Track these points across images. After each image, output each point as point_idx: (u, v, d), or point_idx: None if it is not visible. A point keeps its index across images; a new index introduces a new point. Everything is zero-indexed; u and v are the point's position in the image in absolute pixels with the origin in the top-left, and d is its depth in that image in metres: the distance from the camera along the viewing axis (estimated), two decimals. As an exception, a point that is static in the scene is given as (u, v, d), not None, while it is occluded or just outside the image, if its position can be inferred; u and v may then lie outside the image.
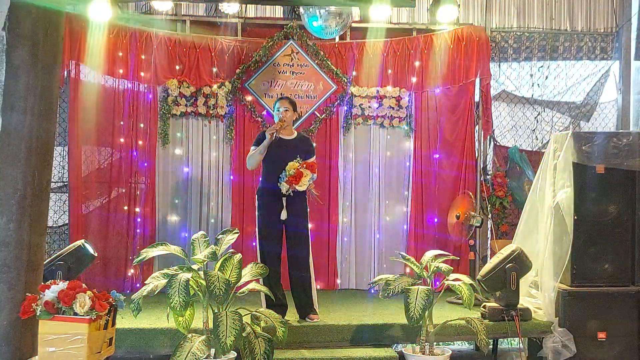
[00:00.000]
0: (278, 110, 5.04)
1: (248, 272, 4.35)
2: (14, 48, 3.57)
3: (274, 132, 4.90)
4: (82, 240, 4.98)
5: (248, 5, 6.42)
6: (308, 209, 5.14)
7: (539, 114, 6.87)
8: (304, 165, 4.86)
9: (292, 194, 4.91)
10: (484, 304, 5.08)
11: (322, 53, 6.42)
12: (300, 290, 4.98)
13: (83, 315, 3.39)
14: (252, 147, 5.05)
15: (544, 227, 5.19)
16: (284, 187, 4.84)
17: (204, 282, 4.01)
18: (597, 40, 6.93)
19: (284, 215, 4.92)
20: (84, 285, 3.53)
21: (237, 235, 4.45)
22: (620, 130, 6.56)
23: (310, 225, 5.19)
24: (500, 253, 5.12)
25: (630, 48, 6.72)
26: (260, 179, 5.13)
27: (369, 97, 6.48)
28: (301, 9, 6.14)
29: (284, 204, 4.92)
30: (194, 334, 4.01)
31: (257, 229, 5.07)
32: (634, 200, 5.10)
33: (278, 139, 4.95)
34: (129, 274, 6.16)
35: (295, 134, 5.16)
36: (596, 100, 6.91)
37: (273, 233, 4.97)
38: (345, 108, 6.49)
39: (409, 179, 6.56)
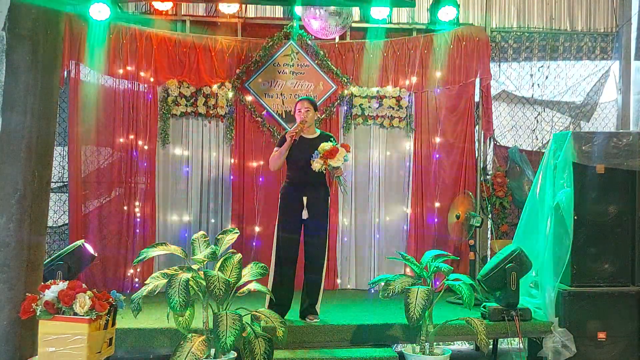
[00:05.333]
0: (299, 111, 5.01)
1: (248, 272, 4.35)
2: (14, 48, 3.57)
3: (294, 134, 4.89)
4: (82, 240, 4.98)
5: (248, 5, 6.42)
6: (329, 212, 5.10)
7: (539, 114, 6.87)
8: (339, 144, 4.83)
9: (312, 195, 4.91)
10: (484, 304, 5.08)
11: (322, 53, 6.42)
12: (311, 290, 4.99)
13: (83, 315, 3.39)
14: (275, 149, 5.05)
15: (544, 227, 5.19)
16: (317, 165, 4.75)
17: (204, 282, 4.01)
18: (597, 40, 6.93)
19: (305, 214, 4.91)
20: (84, 285, 3.53)
21: (237, 235, 4.46)
22: (620, 130, 6.56)
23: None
24: (500, 253, 5.12)
25: (630, 48, 6.71)
26: (285, 178, 5.12)
27: (369, 97, 6.48)
28: (301, 9, 6.15)
29: (305, 204, 4.91)
30: (194, 334, 4.01)
31: (276, 228, 5.05)
32: (634, 200, 5.10)
33: (300, 139, 4.93)
34: (129, 274, 6.16)
35: (318, 132, 5.13)
36: (596, 100, 6.91)
37: (292, 234, 4.96)
38: (345, 108, 6.49)
39: (409, 179, 6.56)
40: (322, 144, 4.79)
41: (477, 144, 6.61)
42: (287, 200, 5.00)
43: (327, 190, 5.06)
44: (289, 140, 4.88)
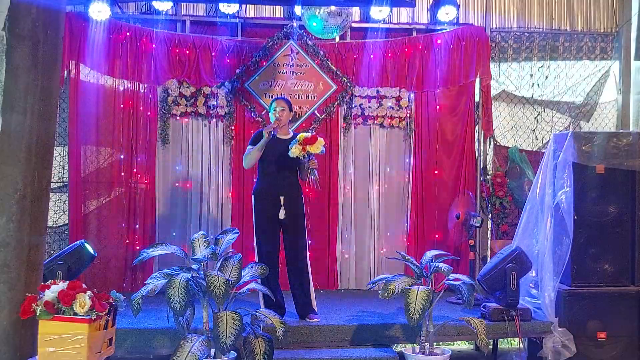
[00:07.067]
0: (274, 110, 5.04)
1: (248, 272, 4.35)
2: (14, 48, 3.57)
3: (271, 130, 4.90)
4: (82, 240, 4.99)
5: (248, 5, 6.42)
6: (305, 208, 5.13)
7: (539, 114, 6.87)
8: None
9: (289, 195, 4.92)
10: (484, 304, 5.08)
11: (322, 53, 6.42)
12: (300, 290, 4.99)
13: (83, 316, 3.39)
14: (249, 147, 5.05)
15: (544, 227, 5.19)
16: (296, 150, 4.73)
17: (204, 282, 4.01)
18: (597, 40, 6.92)
19: (282, 214, 4.92)
20: (84, 285, 3.53)
21: (237, 235, 4.46)
22: (620, 130, 6.56)
23: (307, 225, 5.18)
24: (500, 253, 5.12)
25: (630, 48, 6.71)
26: (256, 179, 5.13)
27: (369, 97, 6.48)
28: (301, 9, 6.15)
29: (282, 203, 4.92)
30: (194, 334, 4.01)
31: (254, 230, 5.05)
32: (634, 200, 5.11)
33: (274, 139, 4.94)
34: (129, 274, 6.16)
35: (291, 134, 5.15)
36: (596, 100, 6.91)
37: (271, 233, 4.97)
38: (345, 108, 6.49)
39: (409, 179, 6.55)
40: (300, 134, 4.82)
41: (477, 144, 6.61)
42: (263, 200, 5.00)
43: (301, 188, 5.09)
44: (266, 137, 4.87)
